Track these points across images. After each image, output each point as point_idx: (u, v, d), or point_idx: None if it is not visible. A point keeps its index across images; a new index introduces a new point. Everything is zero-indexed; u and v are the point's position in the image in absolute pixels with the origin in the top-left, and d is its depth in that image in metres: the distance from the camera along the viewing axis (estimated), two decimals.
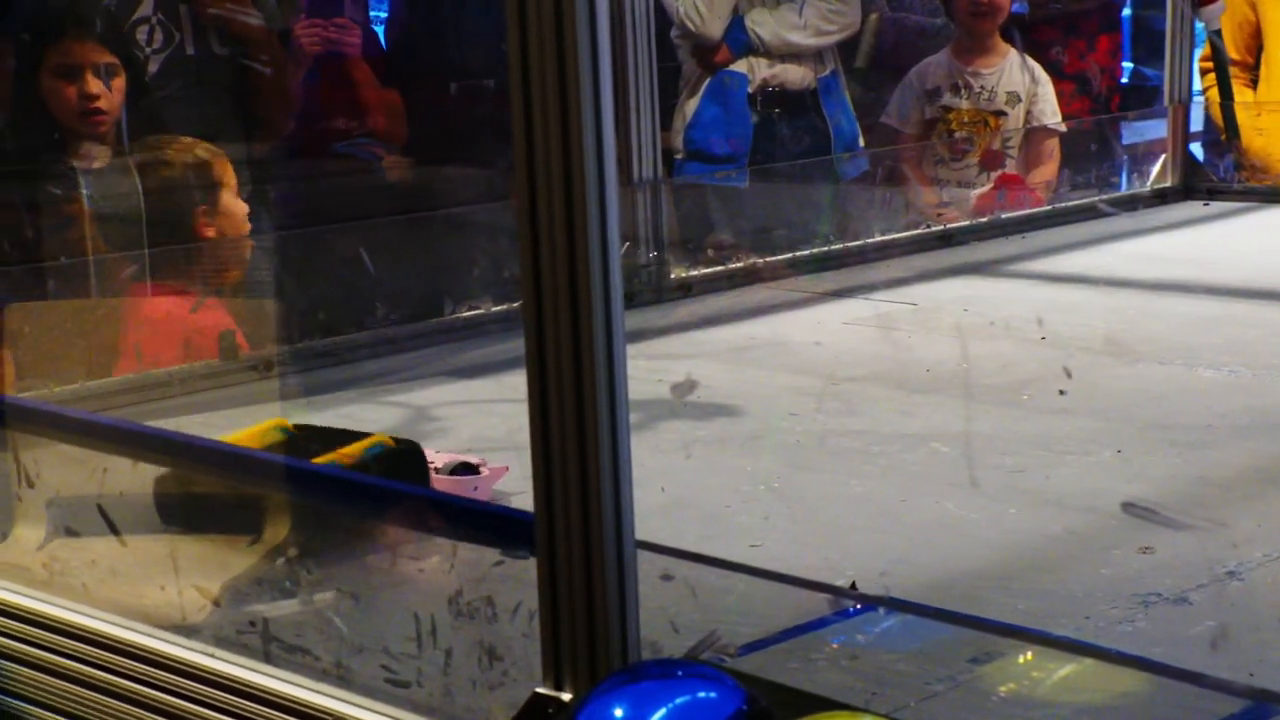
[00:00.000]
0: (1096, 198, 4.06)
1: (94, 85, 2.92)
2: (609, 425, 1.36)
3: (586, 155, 1.32)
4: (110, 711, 1.68)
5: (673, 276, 3.19)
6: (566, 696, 1.35)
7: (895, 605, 1.57)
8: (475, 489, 1.99)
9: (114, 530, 1.85)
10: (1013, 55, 4.19)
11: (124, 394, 2.40)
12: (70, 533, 1.88)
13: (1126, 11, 4.87)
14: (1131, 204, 4.07)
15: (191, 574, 1.85)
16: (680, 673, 1.27)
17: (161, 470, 1.93)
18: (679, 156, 4.01)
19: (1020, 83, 4.16)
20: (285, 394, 2.68)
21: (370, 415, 2.63)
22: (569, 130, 1.33)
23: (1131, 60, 5.24)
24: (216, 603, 1.80)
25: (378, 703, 1.53)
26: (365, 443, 1.96)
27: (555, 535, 1.37)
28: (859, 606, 1.55)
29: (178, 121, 3.12)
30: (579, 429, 1.35)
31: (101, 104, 2.92)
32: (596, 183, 1.33)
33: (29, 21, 3.04)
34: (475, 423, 2.56)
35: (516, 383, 2.77)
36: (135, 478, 1.88)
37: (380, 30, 3.90)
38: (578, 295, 1.35)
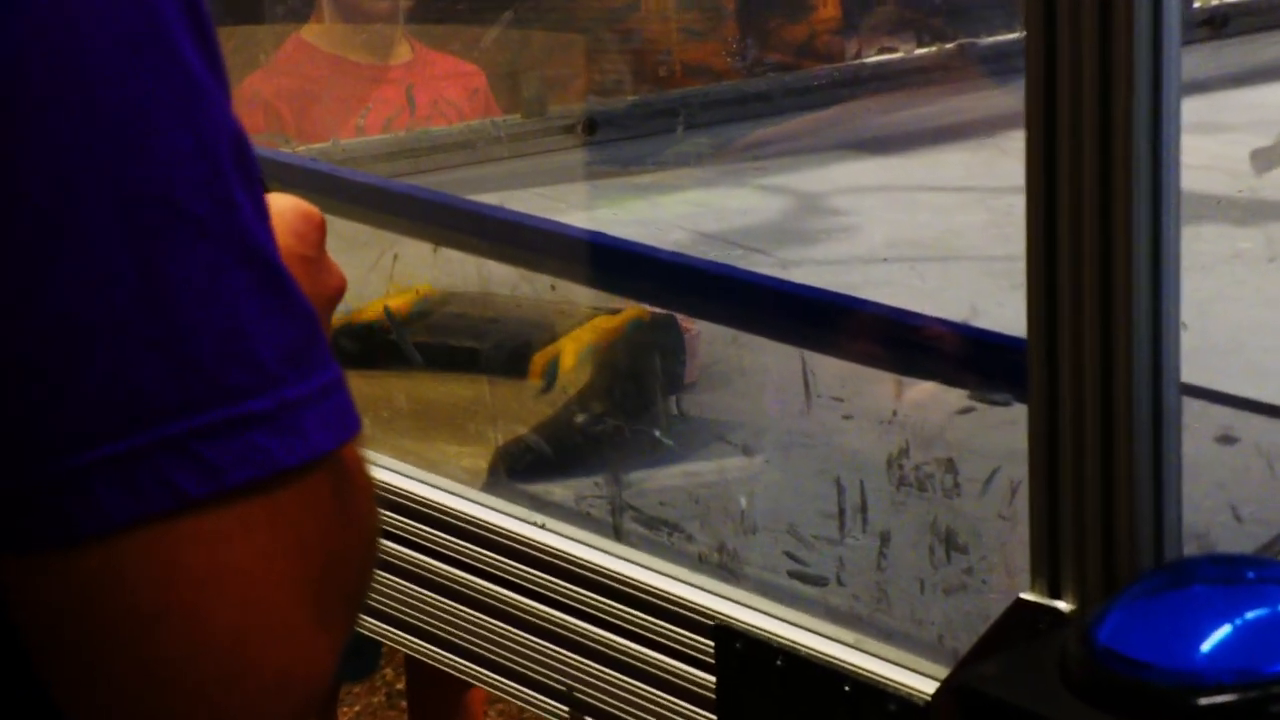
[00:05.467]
0: None
1: None
2: (1148, 210, 1.37)
3: None
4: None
5: (1195, 5, 3.14)
6: (1065, 606, 1.39)
7: None
8: None
9: (408, 360, 1.98)
10: None
11: (402, 157, 2.53)
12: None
13: None
14: None
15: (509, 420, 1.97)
16: (1251, 575, 1.29)
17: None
18: None
19: None
20: (612, 167, 2.77)
21: (735, 205, 2.70)
22: None
23: None
24: (534, 454, 1.91)
25: (776, 605, 1.60)
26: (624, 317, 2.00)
27: (1058, 370, 1.40)
28: None
29: None
30: (1103, 213, 1.37)
31: None
32: None
33: None
34: (891, 219, 2.60)
35: (949, 161, 2.81)
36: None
37: None
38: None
